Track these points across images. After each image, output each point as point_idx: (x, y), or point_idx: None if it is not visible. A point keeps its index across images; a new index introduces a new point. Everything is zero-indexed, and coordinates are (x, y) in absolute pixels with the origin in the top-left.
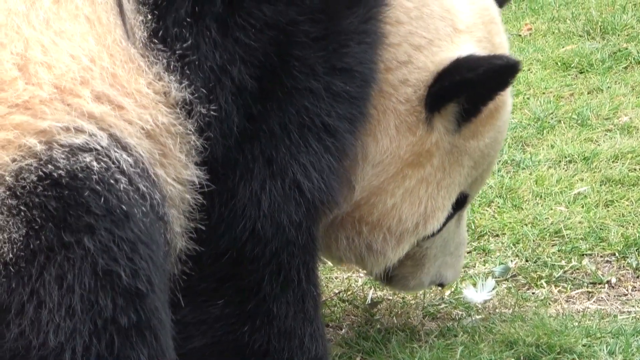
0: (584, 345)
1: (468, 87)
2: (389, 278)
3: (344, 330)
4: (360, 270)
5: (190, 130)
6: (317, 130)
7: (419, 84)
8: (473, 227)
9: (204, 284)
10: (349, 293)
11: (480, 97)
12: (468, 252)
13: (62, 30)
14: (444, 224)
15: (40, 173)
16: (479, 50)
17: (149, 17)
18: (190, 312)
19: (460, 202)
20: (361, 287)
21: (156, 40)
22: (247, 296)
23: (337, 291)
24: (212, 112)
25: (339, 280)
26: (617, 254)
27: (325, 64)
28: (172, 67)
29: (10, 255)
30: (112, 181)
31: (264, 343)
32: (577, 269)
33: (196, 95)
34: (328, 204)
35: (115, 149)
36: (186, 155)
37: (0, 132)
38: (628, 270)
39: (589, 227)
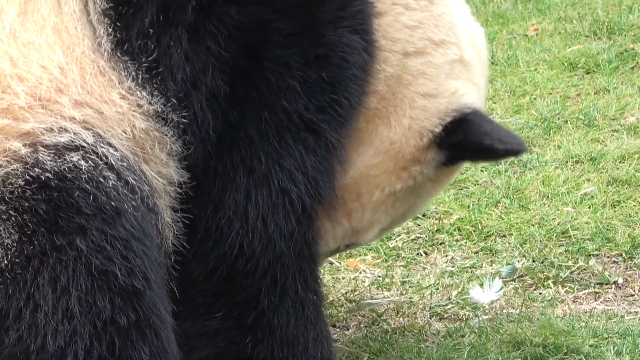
0: (591, 346)
1: (481, 151)
2: None
3: (350, 330)
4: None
5: (167, 135)
6: (297, 129)
7: (439, 86)
8: (480, 228)
9: (200, 298)
10: (355, 293)
11: (478, 157)
12: (475, 253)
13: (29, 41)
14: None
15: (27, 177)
16: (478, 102)
17: (112, 28)
18: (191, 325)
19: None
20: (368, 288)
21: (120, 53)
22: (245, 310)
23: (343, 292)
24: (184, 120)
25: (346, 280)
26: (624, 255)
27: (299, 58)
28: (140, 79)
29: (5, 262)
30: (101, 179)
31: (267, 354)
32: (584, 269)
33: (168, 105)
34: (322, 204)
35: (102, 145)
36: (166, 155)
37: None
38: (635, 270)
39: (595, 228)
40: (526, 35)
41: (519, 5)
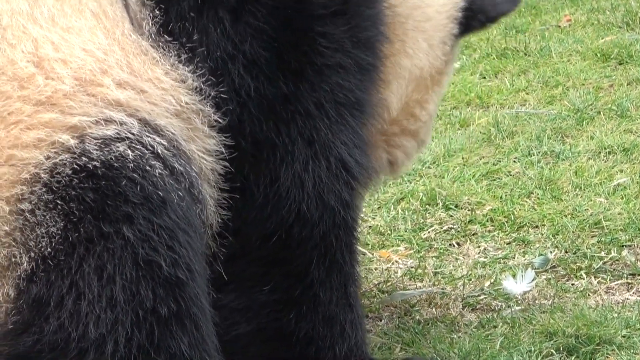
0: (623, 337)
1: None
2: None
3: (383, 321)
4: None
5: (207, 106)
6: (351, 106)
7: (439, 4)
8: (512, 219)
9: (251, 268)
10: (388, 284)
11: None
12: (507, 244)
13: (69, 26)
14: None
15: (75, 166)
16: None
17: (156, 11)
18: (236, 298)
19: None
20: (400, 279)
21: (165, 35)
22: (294, 281)
23: (376, 282)
24: (221, 94)
25: (378, 271)
26: None
27: (351, 38)
28: (183, 58)
29: (49, 249)
30: (147, 167)
31: (309, 330)
32: (617, 260)
33: (207, 83)
34: (368, 180)
35: (147, 134)
36: (209, 127)
37: (31, 132)
38: None
39: (628, 218)
40: (559, 26)
41: None
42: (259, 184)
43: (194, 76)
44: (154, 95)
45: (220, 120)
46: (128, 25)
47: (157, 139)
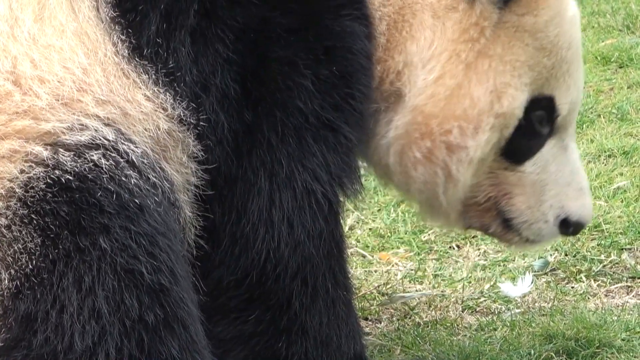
0: (623, 340)
1: None
2: (509, 230)
3: (383, 323)
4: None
5: (189, 137)
6: (316, 128)
7: None
8: None
9: (233, 302)
10: (388, 287)
11: None
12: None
13: (50, 44)
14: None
15: (49, 180)
16: None
17: (124, 35)
18: (224, 330)
19: (548, 108)
20: (400, 281)
21: (137, 58)
22: (278, 313)
23: (376, 285)
24: (201, 123)
25: (378, 273)
26: None
27: (307, 55)
28: (161, 84)
29: (30, 266)
30: (122, 178)
31: (302, 354)
32: (617, 263)
33: (187, 109)
34: (346, 200)
35: (123, 141)
36: (187, 157)
37: (5, 142)
38: None
39: (628, 222)
40: None
41: None
42: (225, 224)
43: (174, 104)
44: (134, 117)
45: (200, 152)
46: (111, 47)
47: (132, 147)
